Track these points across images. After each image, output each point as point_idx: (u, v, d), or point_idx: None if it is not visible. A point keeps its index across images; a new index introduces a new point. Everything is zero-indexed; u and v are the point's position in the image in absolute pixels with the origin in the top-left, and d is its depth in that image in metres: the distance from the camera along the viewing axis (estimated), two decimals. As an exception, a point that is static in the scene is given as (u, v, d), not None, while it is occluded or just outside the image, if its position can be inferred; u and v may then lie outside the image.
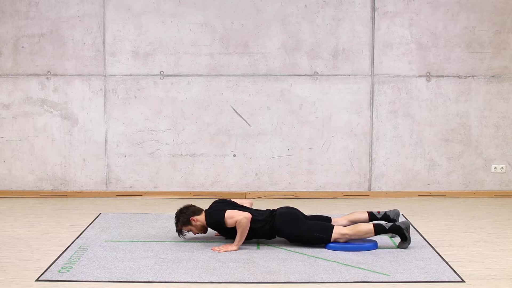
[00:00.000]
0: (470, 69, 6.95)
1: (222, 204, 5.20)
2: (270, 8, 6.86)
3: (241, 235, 4.95)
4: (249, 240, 5.11)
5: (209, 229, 5.21)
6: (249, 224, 4.93)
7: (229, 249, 4.94)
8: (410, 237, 5.02)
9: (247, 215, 4.92)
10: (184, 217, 5.11)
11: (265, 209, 5.26)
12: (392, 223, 5.04)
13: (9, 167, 7.05)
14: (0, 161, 7.05)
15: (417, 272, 4.47)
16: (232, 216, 4.94)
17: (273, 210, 5.18)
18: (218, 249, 4.95)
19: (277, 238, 5.17)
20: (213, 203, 5.29)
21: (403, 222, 5.02)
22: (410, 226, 5.27)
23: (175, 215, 5.19)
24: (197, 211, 5.16)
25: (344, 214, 5.66)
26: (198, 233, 5.20)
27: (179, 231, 5.16)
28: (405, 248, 5.00)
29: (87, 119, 6.98)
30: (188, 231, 5.17)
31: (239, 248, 4.98)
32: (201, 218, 5.11)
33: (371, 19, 6.89)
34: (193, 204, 5.27)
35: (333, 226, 5.01)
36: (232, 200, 5.33)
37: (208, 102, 6.97)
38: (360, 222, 5.16)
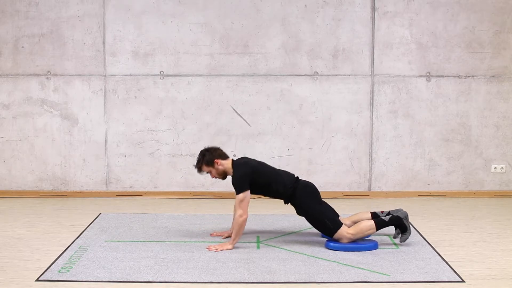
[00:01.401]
0: (470, 69, 6.95)
1: (255, 164, 5.11)
2: (270, 8, 6.86)
3: (236, 234, 4.97)
4: (270, 198, 5.15)
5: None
6: (244, 225, 4.95)
7: (225, 248, 4.95)
8: (410, 227, 5.01)
9: (245, 216, 4.93)
10: (209, 157, 5.08)
11: (291, 173, 5.24)
12: (391, 215, 5.04)
13: (9, 167, 7.05)
14: (0, 161, 7.05)
15: (417, 272, 4.47)
16: (241, 200, 4.92)
17: (298, 177, 5.19)
18: (214, 248, 4.96)
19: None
20: (251, 159, 5.24)
21: (401, 212, 5.03)
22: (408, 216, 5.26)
23: (199, 153, 5.15)
24: (224, 155, 5.15)
25: (346, 215, 5.66)
26: (216, 177, 5.16)
27: (199, 168, 5.11)
28: (406, 239, 4.99)
29: (87, 119, 6.98)
30: (208, 172, 5.14)
31: (239, 248, 4.98)
32: (225, 163, 5.09)
33: (371, 19, 6.89)
34: (220, 148, 5.24)
35: (342, 223, 5.02)
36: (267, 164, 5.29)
37: (208, 102, 6.97)
38: (361, 221, 5.16)
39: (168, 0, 6.86)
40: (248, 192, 4.97)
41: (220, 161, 5.09)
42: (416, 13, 6.88)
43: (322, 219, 5.00)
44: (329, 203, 5.14)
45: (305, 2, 6.85)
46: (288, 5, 6.85)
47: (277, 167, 6.99)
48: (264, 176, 5.08)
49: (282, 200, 5.19)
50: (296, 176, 5.23)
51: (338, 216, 5.21)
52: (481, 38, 6.90)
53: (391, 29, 6.89)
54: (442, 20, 6.89)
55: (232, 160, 5.17)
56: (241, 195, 4.94)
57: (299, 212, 5.12)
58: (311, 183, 5.22)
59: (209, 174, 5.22)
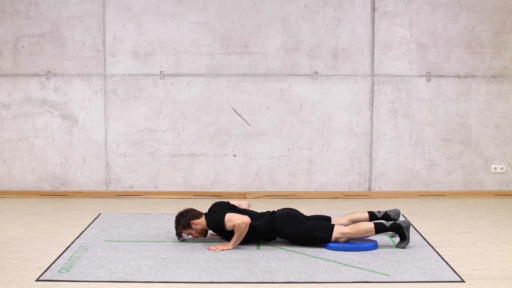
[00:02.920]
0: (470, 69, 6.95)
1: (222, 207, 5.19)
2: (270, 8, 6.86)
3: (237, 237, 4.97)
4: (249, 241, 5.11)
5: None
6: (247, 228, 4.94)
7: (225, 248, 4.96)
8: (409, 236, 5.02)
9: (246, 219, 4.93)
10: (184, 221, 5.12)
11: (265, 211, 5.26)
12: (393, 221, 5.05)
13: (9, 167, 7.05)
14: (0, 161, 7.05)
15: (417, 272, 4.47)
16: (231, 220, 4.95)
17: (273, 211, 5.18)
18: (214, 248, 4.96)
19: (277, 239, 5.16)
20: (213, 205, 5.29)
21: (403, 221, 5.03)
22: (411, 226, 5.28)
23: (175, 219, 5.19)
24: (197, 214, 5.16)
25: (344, 214, 5.67)
26: (198, 237, 5.19)
27: (179, 234, 5.16)
28: (403, 247, 5.01)
29: (87, 119, 6.98)
30: (188, 235, 5.18)
31: (239, 248, 4.98)
32: (201, 222, 5.12)
33: (371, 19, 6.89)
34: (193, 207, 5.27)
35: (333, 225, 5.02)
36: (230, 202, 5.33)
37: (208, 102, 6.97)
38: (360, 222, 5.16)
39: (168, 0, 6.85)
40: (227, 213, 4.97)
41: (196, 221, 5.11)
42: (416, 13, 6.88)
43: (312, 234, 5.00)
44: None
45: (305, 2, 6.85)
46: (288, 5, 6.85)
47: (277, 167, 7.00)
48: None
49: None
50: (271, 211, 5.20)
51: (329, 218, 5.20)
52: (481, 38, 6.90)
53: (391, 29, 6.89)
54: (442, 20, 6.89)
55: (204, 215, 5.17)
56: (225, 220, 4.96)
57: (291, 241, 5.10)
58: (287, 209, 5.19)
59: (190, 237, 5.25)
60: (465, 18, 6.88)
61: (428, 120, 6.99)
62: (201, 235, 5.19)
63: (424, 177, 7.06)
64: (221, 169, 7.03)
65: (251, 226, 4.98)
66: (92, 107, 6.97)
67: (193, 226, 5.11)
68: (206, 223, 5.10)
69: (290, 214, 5.09)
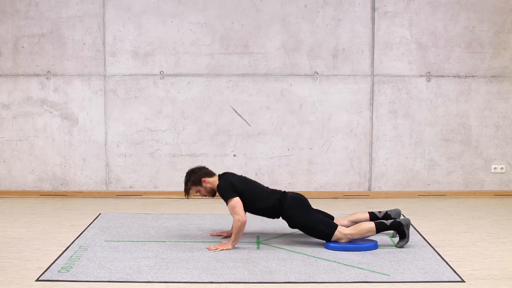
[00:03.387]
0: (470, 69, 6.95)
1: (235, 182, 5.10)
2: (270, 8, 6.86)
3: (235, 235, 4.97)
4: (256, 215, 5.16)
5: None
6: (243, 228, 4.94)
7: (224, 248, 4.96)
8: (409, 235, 5.03)
9: (243, 219, 4.92)
10: (195, 177, 5.12)
11: (276, 189, 5.25)
12: (393, 219, 5.05)
13: (9, 167, 7.05)
14: (0, 161, 7.05)
15: (417, 272, 4.47)
16: (233, 207, 4.93)
17: (284, 191, 5.19)
18: (213, 248, 4.96)
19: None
20: (230, 173, 5.26)
21: (403, 219, 5.04)
22: (411, 225, 5.28)
23: (186, 174, 5.19)
24: (209, 173, 5.17)
25: (344, 214, 5.67)
26: (205, 196, 5.18)
27: (188, 190, 5.15)
28: (403, 246, 5.01)
29: (87, 119, 6.98)
30: (197, 192, 5.16)
31: (239, 248, 4.98)
32: (212, 181, 5.11)
33: (371, 19, 6.89)
34: (205, 166, 5.26)
35: (337, 225, 5.02)
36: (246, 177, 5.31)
37: (208, 102, 6.97)
38: (361, 222, 5.17)
39: (168, 0, 6.86)
40: (237, 198, 4.96)
41: (207, 179, 5.12)
42: (416, 13, 6.88)
43: (316, 226, 5.00)
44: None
45: (305, 2, 6.85)
46: (288, 5, 6.85)
47: (277, 167, 7.00)
48: (248, 190, 5.08)
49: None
50: (282, 190, 5.24)
51: (333, 218, 5.21)
52: (481, 38, 6.90)
53: (391, 29, 6.89)
54: (442, 20, 6.89)
55: (218, 175, 5.18)
56: (231, 202, 4.95)
57: (291, 225, 5.11)
58: (299, 194, 5.20)
59: (198, 194, 5.24)
60: (465, 18, 6.88)
61: (428, 120, 6.99)
62: (209, 195, 5.17)
63: (424, 177, 7.06)
64: (221, 169, 6.98)
65: (259, 205, 5.01)
66: (92, 107, 6.97)
67: (203, 184, 5.10)
68: (217, 184, 5.07)
69: (301, 200, 5.10)
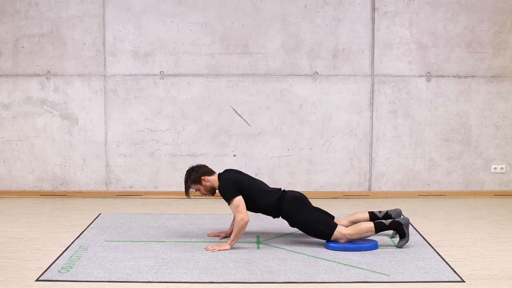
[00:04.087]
0: (470, 69, 6.95)
1: (239, 180, 5.09)
2: (270, 8, 6.86)
3: (235, 235, 4.96)
4: (256, 214, 5.15)
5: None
6: (245, 227, 4.94)
7: (222, 248, 4.95)
8: (409, 234, 5.02)
9: (246, 218, 4.92)
10: (195, 175, 5.11)
11: (276, 188, 5.25)
12: (392, 219, 5.05)
13: (9, 167, 7.05)
14: (0, 161, 7.05)
15: (417, 272, 4.47)
16: (236, 206, 4.92)
17: (284, 190, 5.18)
18: (211, 248, 4.96)
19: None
20: (232, 171, 5.27)
21: (402, 218, 5.03)
22: (410, 225, 5.27)
23: (186, 172, 5.18)
24: (209, 171, 5.16)
25: (344, 214, 5.67)
26: (205, 194, 5.17)
27: (187, 188, 5.14)
28: (403, 246, 5.00)
29: (87, 119, 6.98)
30: (196, 190, 5.15)
31: (239, 248, 4.98)
32: (212, 179, 5.10)
33: (371, 19, 6.89)
34: (205, 164, 5.26)
35: (336, 224, 5.02)
36: (247, 174, 5.31)
37: (208, 102, 6.97)
38: (360, 222, 5.16)
39: (168, 0, 6.86)
40: (240, 197, 4.95)
41: (206, 178, 5.11)
42: (416, 13, 6.88)
43: (315, 226, 5.00)
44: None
45: (305, 2, 6.86)
46: (288, 5, 6.85)
47: (277, 167, 7.00)
48: (248, 187, 5.07)
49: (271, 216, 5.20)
50: (282, 189, 5.22)
51: (333, 217, 5.21)
52: (481, 38, 6.90)
53: (391, 29, 6.89)
54: (442, 20, 6.89)
55: (218, 174, 5.18)
56: (234, 201, 4.94)
57: (291, 224, 5.11)
58: (298, 192, 5.19)
59: (198, 192, 5.24)
60: (465, 18, 6.88)
61: (428, 120, 6.99)
62: (209, 194, 5.16)
63: (424, 177, 7.06)
64: (221, 169, 7.01)
65: (260, 203, 5.01)
66: (92, 107, 6.97)
67: (203, 182, 5.09)
68: (217, 183, 5.07)
69: (300, 199, 5.09)
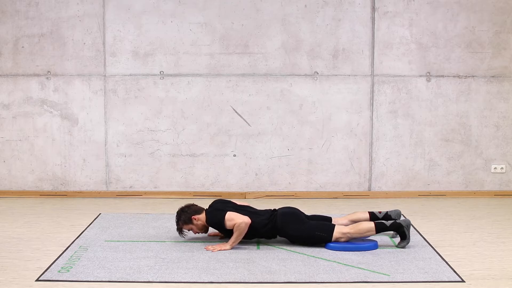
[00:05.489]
0: (470, 69, 6.95)
1: (223, 204, 5.20)
2: (270, 8, 6.86)
3: (236, 237, 4.96)
4: (250, 240, 5.12)
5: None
6: (247, 228, 4.94)
7: (222, 248, 4.95)
8: (409, 236, 5.03)
9: (247, 219, 4.92)
10: (185, 216, 5.12)
11: (266, 209, 5.26)
12: (393, 220, 5.05)
13: (9, 167, 7.05)
14: (0, 161, 7.05)
15: (417, 272, 4.47)
16: (232, 219, 4.94)
17: (274, 209, 5.18)
18: (211, 248, 4.96)
19: (277, 238, 5.17)
20: (214, 202, 5.30)
21: (404, 220, 5.03)
22: (411, 225, 5.28)
23: (176, 214, 5.19)
24: (199, 210, 5.16)
25: (344, 214, 5.67)
26: (198, 233, 5.20)
27: (180, 229, 5.16)
28: (403, 247, 5.01)
29: (87, 119, 6.98)
30: (189, 230, 5.17)
31: (239, 248, 4.98)
32: (202, 217, 5.12)
33: (371, 19, 6.89)
34: (194, 203, 5.28)
35: (334, 225, 5.02)
36: (232, 200, 5.34)
37: (208, 102, 6.97)
38: (361, 221, 5.16)
39: (168, 0, 6.86)
40: (228, 212, 4.96)
41: (197, 217, 5.12)
42: (416, 13, 6.88)
43: (313, 233, 4.99)
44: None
45: (305, 2, 6.86)
46: (288, 5, 6.85)
47: (277, 167, 7.00)
48: (239, 210, 5.07)
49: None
50: (272, 209, 5.22)
51: (330, 219, 5.20)
52: (481, 38, 6.90)
53: (391, 29, 6.89)
54: (442, 20, 6.89)
55: (205, 211, 5.17)
56: (227, 217, 4.95)
57: (291, 241, 5.10)
58: (288, 207, 5.18)
59: (191, 232, 5.25)
60: (465, 18, 6.88)
61: (428, 120, 6.99)
62: (202, 231, 5.19)
63: (424, 177, 7.06)
64: (221, 169, 7.03)
65: (251, 224, 4.98)
66: (92, 107, 6.97)
67: (194, 222, 5.10)
68: (206, 219, 5.10)
69: (292, 213, 5.09)
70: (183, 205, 5.22)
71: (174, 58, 6.91)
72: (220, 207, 5.13)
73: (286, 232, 5.06)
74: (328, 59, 6.92)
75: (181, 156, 7.01)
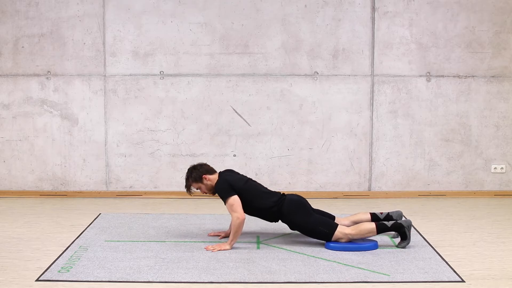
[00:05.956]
0: (470, 69, 6.95)
1: (238, 179, 5.12)
2: (270, 8, 6.86)
3: (234, 235, 4.96)
4: (255, 217, 5.15)
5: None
6: (242, 226, 4.94)
7: (222, 248, 4.95)
8: (410, 236, 5.03)
9: (242, 217, 4.92)
10: (196, 173, 5.12)
11: (277, 191, 5.25)
12: (394, 221, 5.05)
13: (9, 167, 7.05)
14: (0, 161, 7.05)
15: (417, 272, 4.47)
16: (232, 205, 4.93)
17: (283, 194, 5.18)
18: (211, 248, 4.96)
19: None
20: (231, 172, 5.27)
21: (405, 221, 5.04)
22: (412, 226, 5.28)
23: (187, 171, 5.18)
24: (211, 170, 5.17)
25: (345, 215, 5.67)
26: (206, 193, 5.18)
27: (189, 186, 5.15)
28: (404, 247, 5.01)
29: (87, 119, 6.98)
30: (197, 189, 5.17)
31: (239, 248, 4.98)
32: (212, 178, 5.11)
33: (371, 19, 6.89)
34: (207, 163, 5.26)
35: (337, 224, 5.02)
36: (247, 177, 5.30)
37: (208, 102, 6.97)
38: (362, 222, 5.16)
39: (168, 0, 6.86)
40: (235, 196, 4.96)
41: (208, 176, 5.12)
42: (416, 13, 6.88)
43: (315, 228, 4.99)
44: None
45: (305, 2, 6.86)
46: (288, 5, 6.85)
47: (277, 167, 7.00)
48: (246, 189, 5.08)
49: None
50: (281, 193, 5.22)
51: (333, 217, 5.21)
52: (481, 38, 6.91)
53: (391, 29, 6.89)
54: (442, 20, 6.89)
55: (219, 173, 5.18)
56: (229, 200, 4.95)
57: (292, 227, 5.11)
58: (297, 196, 5.18)
59: (199, 191, 5.24)
60: (465, 18, 6.88)
61: (428, 120, 6.99)
62: (210, 192, 5.18)
63: (424, 177, 7.06)
64: (221, 169, 7.01)
65: (257, 205, 5.00)
66: (92, 107, 6.97)
67: (204, 181, 5.10)
68: (216, 182, 5.07)
69: (299, 202, 5.08)
70: (195, 163, 5.21)
71: (174, 58, 6.91)
72: (232, 181, 5.04)
73: (289, 220, 5.05)
74: (328, 59, 6.92)
75: (181, 156, 7.01)
